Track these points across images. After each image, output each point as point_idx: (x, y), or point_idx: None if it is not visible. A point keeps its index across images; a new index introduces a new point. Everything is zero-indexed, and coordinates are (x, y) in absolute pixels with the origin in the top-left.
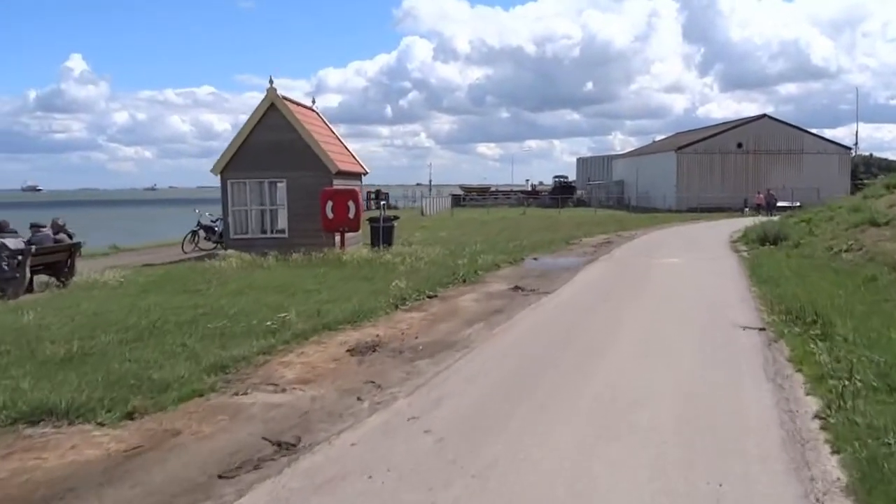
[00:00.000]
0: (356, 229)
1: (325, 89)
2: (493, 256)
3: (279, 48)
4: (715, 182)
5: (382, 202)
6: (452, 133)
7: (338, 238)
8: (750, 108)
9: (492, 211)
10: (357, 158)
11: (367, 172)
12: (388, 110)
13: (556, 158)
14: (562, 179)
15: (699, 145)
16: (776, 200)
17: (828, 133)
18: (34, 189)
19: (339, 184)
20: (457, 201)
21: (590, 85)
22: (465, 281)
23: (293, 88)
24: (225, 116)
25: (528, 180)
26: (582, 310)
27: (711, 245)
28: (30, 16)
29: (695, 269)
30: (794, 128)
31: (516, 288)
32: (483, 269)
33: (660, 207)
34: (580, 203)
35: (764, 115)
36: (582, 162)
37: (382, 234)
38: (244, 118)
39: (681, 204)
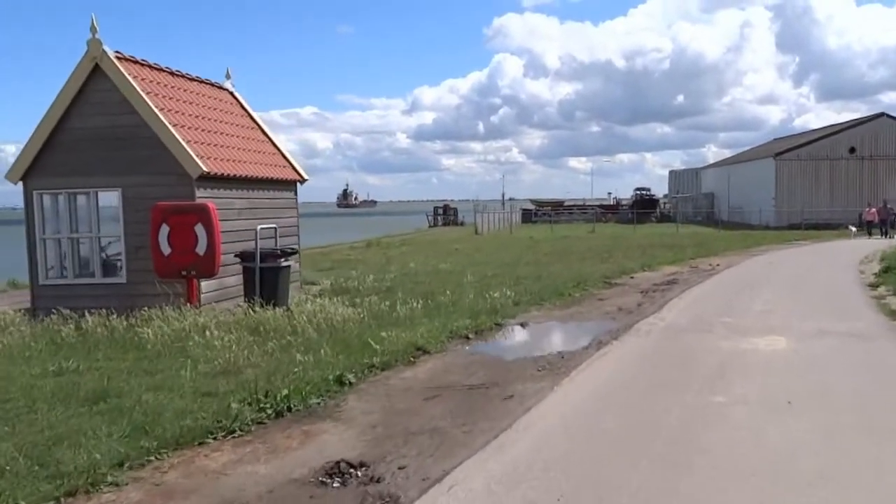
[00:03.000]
0: (211, 273)
1: (419, 107)
2: (450, 321)
3: (376, 68)
4: (822, 194)
5: (269, 226)
6: (543, 148)
7: (197, 287)
8: (850, 119)
9: (559, 228)
10: (290, 160)
11: (303, 180)
12: (480, 126)
13: (648, 171)
14: (643, 192)
15: (802, 150)
16: None
17: None
18: None
19: (223, 196)
20: (528, 216)
21: (681, 98)
22: (281, 413)
23: (390, 107)
24: (327, 135)
25: (610, 193)
26: None
27: (838, 293)
28: (141, 35)
29: (828, 389)
30: None
31: (337, 476)
32: (385, 359)
33: (754, 223)
34: (664, 218)
35: (882, 114)
36: (674, 174)
37: (261, 285)
38: (346, 137)
39: (780, 220)
